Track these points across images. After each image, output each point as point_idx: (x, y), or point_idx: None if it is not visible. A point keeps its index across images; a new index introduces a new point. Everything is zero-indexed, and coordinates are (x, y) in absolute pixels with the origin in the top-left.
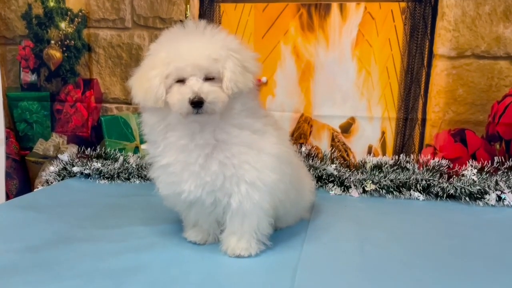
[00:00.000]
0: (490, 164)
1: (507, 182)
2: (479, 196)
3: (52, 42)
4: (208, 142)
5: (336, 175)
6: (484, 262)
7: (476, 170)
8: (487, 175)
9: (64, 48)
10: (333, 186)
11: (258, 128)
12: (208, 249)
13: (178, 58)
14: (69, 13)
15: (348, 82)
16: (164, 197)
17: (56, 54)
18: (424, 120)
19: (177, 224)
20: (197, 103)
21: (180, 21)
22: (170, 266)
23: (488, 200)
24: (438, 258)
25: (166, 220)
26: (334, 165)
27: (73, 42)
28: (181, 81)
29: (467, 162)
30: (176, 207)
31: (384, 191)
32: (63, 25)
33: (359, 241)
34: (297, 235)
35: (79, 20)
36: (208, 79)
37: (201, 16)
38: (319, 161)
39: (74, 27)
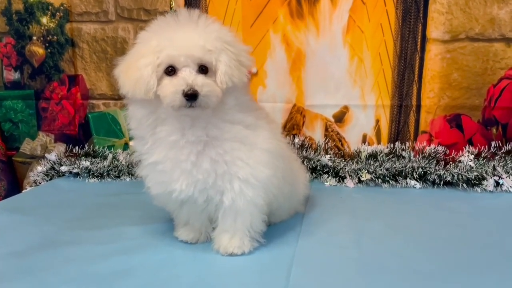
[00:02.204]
0: (487, 149)
1: (505, 167)
2: (477, 182)
3: (34, 38)
4: (200, 139)
5: (330, 165)
6: (484, 252)
7: (473, 156)
8: (484, 161)
9: (47, 44)
10: (328, 177)
11: (250, 123)
12: (200, 248)
13: (171, 47)
14: (50, 7)
15: (340, 70)
16: (154, 196)
17: (39, 50)
18: (419, 107)
19: (168, 223)
20: (191, 96)
21: (166, 12)
22: (161, 268)
23: (486, 186)
24: (437, 249)
25: (157, 219)
26: (329, 155)
27: (55, 37)
28: (172, 72)
29: (464, 147)
30: (167, 206)
31: (380, 180)
32: (44, 20)
33: (355, 234)
34: (291, 230)
35: (61, 14)
36: (200, 71)
37: (187, 6)
38: (313, 152)
39: (56, 22)
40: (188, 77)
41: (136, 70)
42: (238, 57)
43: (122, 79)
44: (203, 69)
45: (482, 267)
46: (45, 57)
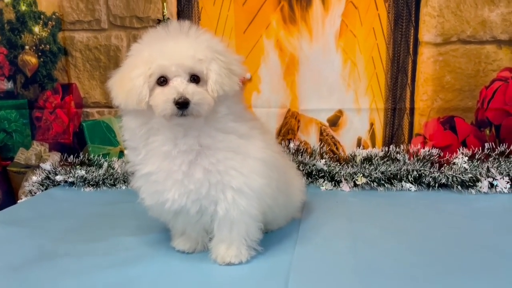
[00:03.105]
0: (481, 150)
1: (499, 168)
2: (471, 184)
3: (27, 47)
4: (192, 148)
5: (326, 170)
6: (481, 255)
7: (467, 158)
8: (478, 162)
9: (40, 53)
10: (323, 182)
11: (244, 132)
12: (197, 258)
13: (162, 57)
14: (42, 16)
15: (334, 74)
16: (148, 207)
17: (31, 59)
18: (412, 109)
19: (164, 232)
20: (182, 104)
21: (158, 20)
22: (159, 279)
23: (480, 187)
24: (434, 253)
25: (153, 229)
26: (324, 160)
27: (48, 46)
28: (164, 82)
29: (458, 149)
30: (161, 217)
31: (375, 183)
32: (36, 29)
33: (352, 239)
34: (288, 236)
35: (53, 23)
36: (192, 81)
37: (179, 13)
38: (308, 157)
39: (49, 30)
40: (179, 86)
41: (129, 81)
42: (229, 65)
43: (115, 90)
44: (195, 79)
45: (479, 270)
46: (38, 66)
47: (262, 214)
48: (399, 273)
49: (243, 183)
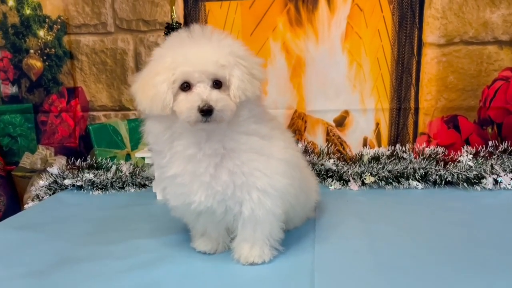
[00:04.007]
0: (484, 148)
1: (502, 165)
2: (476, 181)
3: (32, 51)
4: (217, 152)
5: (334, 169)
6: (495, 252)
7: (471, 156)
8: (482, 160)
9: (45, 57)
10: (332, 181)
11: (265, 133)
12: (219, 259)
13: (186, 63)
14: (47, 20)
15: (340, 76)
16: (172, 207)
17: (36, 63)
18: (417, 109)
19: (182, 233)
20: (206, 111)
21: (167, 23)
22: (185, 280)
23: (485, 184)
24: (449, 250)
25: (170, 230)
26: (332, 160)
27: (53, 50)
28: (187, 87)
29: (461, 147)
30: (185, 217)
31: (383, 182)
32: (41, 33)
33: (368, 238)
34: (306, 236)
35: (58, 27)
36: (215, 86)
37: (186, 16)
38: (316, 157)
39: (54, 34)
40: (203, 92)
41: (152, 87)
42: (251, 70)
43: (139, 96)
44: (217, 84)
45: (498, 268)
46: (43, 70)
47: (284, 213)
48: (420, 271)
49: (267, 184)
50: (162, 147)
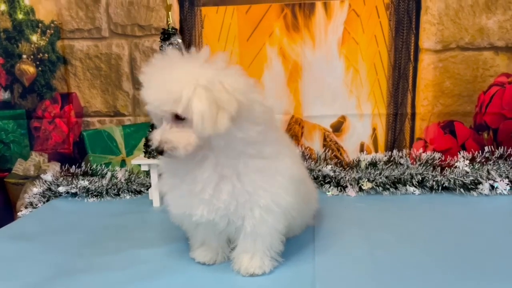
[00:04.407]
0: (480, 153)
1: (498, 171)
2: (473, 187)
3: (24, 56)
4: (211, 179)
5: (332, 175)
6: (492, 259)
7: (468, 161)
8: (478, 165)
9: (38, 62)
10: (329, 187)
11: (269, 153)
12: (219, 269)
13: (148, 102)
14: (40, 25)
15: (337, 81)
16: (172, 215)
17: (29, 69)
18: (413, 114)
19: (181, 242)
20: (159, 152)
21: (163, 29)
22: None
23: (481, 189)
24: (448, 257)
25: (168, 239)
26: (330, 166)
27: (47, 55)
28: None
29: (458, 153)
30: (184, 226)
31: (380, 188)
32: (34, 38)
33: (368, 246)
34: (305, 246)
35: (52, 31)
36: (178, 119)
37: (182, 21)
38: (313, 163)
39: (47, 39)
40: (158, 133)
41: None
42: (217, 100)
43: None
44: (180, 117)
45: (493, 272)
46: (36, 76)
47: (286, 227)
48: (420, 279)
49: (270, 201)
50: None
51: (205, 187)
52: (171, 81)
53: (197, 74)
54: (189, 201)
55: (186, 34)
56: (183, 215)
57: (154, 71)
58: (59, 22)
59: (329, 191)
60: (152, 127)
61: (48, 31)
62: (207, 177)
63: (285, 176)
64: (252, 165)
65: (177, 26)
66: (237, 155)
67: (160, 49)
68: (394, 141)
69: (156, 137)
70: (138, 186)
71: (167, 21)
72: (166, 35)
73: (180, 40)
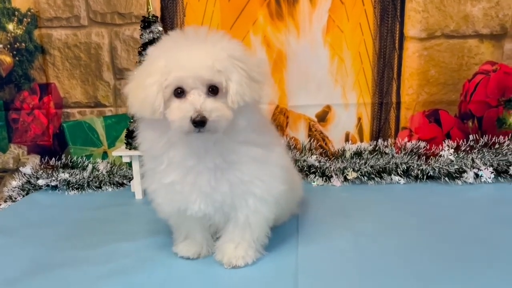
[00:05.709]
0: (465, 142)
1: (483, 159)
2: (458, 175)
3: (1, 46)
4: (218, 166)
5: (317, 166)
6: (476, 247)
7: (452, 150)
8: (463, 154)
9: (15, 52)
10: (315, 177)
11: (265, 142)
12: (202, 262)
13: (179, 68)
14: (16, 13)
15: (322, 70)
16: (158, 209)
17: (6, 59)
18: (398, 103)
19: (163, 235)
20: (199, 122)
21: (143, 17)
22: (167, 285)
23: (466, 178)
24: (431, 246)
25: (150, 233)
26: (315, 156)
27: (24, 44)
28: (181, 94)
29: (442, 141)
30: (171, 220)
31: (365, 178)
32: (11, 26)
33: (351, 235)
34: (289, 236)
35: (29, 20)
36: (210, 92)
37: (163, 9)
38: (298, 153)
39: (24, 28)
40: (196, 101)
41: (143, 89)
42: (250, 73)
43: (130, 98)
44: (213, 90)
45: (481, 264)
46: (13, 66)
47: (275, 216)
48: (404, 270)
49: (265, 191)
50: (158, 153)
51: (210, 178)
52: (209, 51)
53: (231, 49)
54: (186, 197)
55: (167, 22)
56: (177, 211)
57: (183, 42)
58: (36, 10)
59: (314, 181)
60: (133, 118)
61: (25, 19)
62: (214, 165)
63: (277, 165)
64: (250, 154)
65: (158, 14)
66: (239, 142)
67: (140, 37)
68: (379, 131)
69: (193, 105)
70: (120, 178)
71: (148, 9)
72: (146, 23)
73: (161, 28)
